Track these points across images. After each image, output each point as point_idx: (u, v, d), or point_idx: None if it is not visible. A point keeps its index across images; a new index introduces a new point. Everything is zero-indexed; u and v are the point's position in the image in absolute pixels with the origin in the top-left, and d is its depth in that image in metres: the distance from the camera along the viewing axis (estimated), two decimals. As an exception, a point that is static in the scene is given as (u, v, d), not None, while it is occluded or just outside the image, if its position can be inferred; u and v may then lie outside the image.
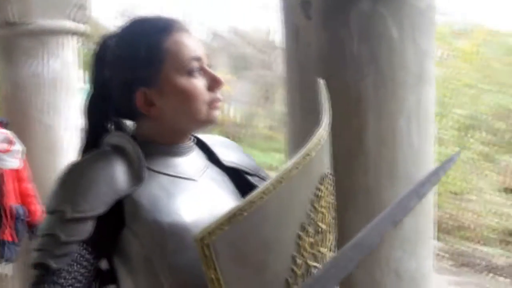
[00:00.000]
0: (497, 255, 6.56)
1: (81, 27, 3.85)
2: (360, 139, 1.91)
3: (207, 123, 1.26)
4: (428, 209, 2.06)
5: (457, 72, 9.98)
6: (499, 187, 8.42)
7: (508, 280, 6.00)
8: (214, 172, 1.35)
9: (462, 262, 6.45)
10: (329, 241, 1.20)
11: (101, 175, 1.16)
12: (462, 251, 6.75)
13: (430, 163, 2.04)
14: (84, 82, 4.28)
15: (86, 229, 1.14)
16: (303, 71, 2.00)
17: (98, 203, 1.14)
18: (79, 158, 1.25)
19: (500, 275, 6.10)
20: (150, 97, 1.22)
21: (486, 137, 9.21)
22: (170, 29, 1.23)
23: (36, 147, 3.86)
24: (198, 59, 1.24)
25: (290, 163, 1.05)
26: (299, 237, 1.09)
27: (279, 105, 16.54)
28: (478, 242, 7.09)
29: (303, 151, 1.09)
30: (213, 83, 1.25)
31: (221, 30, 17.26)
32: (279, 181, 1.02)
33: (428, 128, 2.01)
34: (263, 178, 1.43)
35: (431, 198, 2.08)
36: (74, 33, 3.81)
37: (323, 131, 1.15)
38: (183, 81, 1.21)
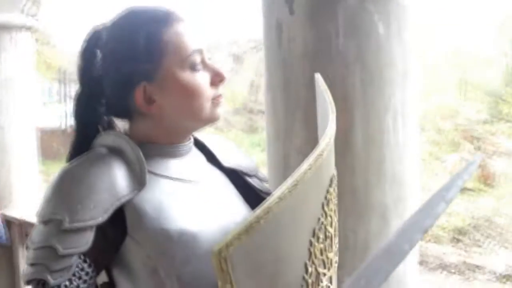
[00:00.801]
0: (449, 253, 6.67)
1: (35, 22, 3.66)
2: (347, 137, 1.86)
3: (210, 121, 1.17)
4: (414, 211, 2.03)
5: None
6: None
7: (460, 277, 6.10)
8: (215, 173, 1.26)
9: (415, 260, 6.52)
10: (335, 246, 1.14)
11: (100, 179, 1.05)
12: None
13: (416, 161, 2.01)
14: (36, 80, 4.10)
15: (86, 240, 1.03)
16: (286, 67, 1.93)
17: (99, 211, 1.03)
18: (73, 162, 1.12)
19: (453, 272, 6.20)
20: (150, 93, 1.12)
21: (433, 137, 9.40)
22: (169, 20, 1.13)
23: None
24: (200, 51, 1.14)
25: (304, 164, 0.97)
26: (311, 243, 1.02)
27: (224, 104, 16.51)
28: (430, 240, 7.20)
29: (316, 151, 1.01)
30: (216, 78, 1.16)
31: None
32: (295, 184, 0.94)
33: (413, 125, 1.98)
34: (261, 179, 1.35)
35: (417, 199, 2.05)
36: (28, 28, 3.61)
37: (332, 129, 1.08)
38: (185, 76, 1.12)
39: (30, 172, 4.19)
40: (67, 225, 1.01)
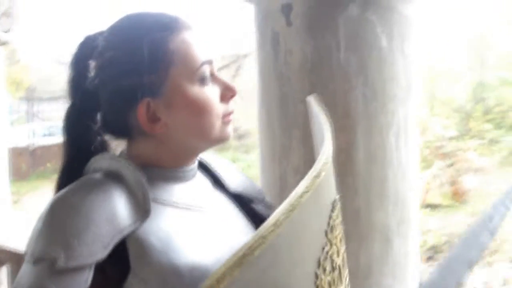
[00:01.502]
0: (426, 272, 6.61)
1: (7, 36, 3.48)
2: (348, 156, 1.76)
3: (220, 141, 1.03)
4: (416, 231, 1.94)
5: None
6: (421, 203, 8.59)
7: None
8: (221, 199, 1.13)
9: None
10: (344, 278, 1.02)
11: (98, 209, 0.90)
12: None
13: (416, 180, 1.92)
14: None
15: (84, 280, 0.88)
16: (283, 81, 1.83)
17: (98, 246, 0.88)
18: (65, 189, 0.96)
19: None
20: (154, 110, 0.98)
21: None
22: (176, 27, 0.99)
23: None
24: (210, 63, 1.02)
25: (300, 187, 0.85)
26: (316, 275, 0.89)
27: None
28: (407, 258, 7.12)
29: (312, 172, 0.89)
30: (227, 93, 1.02)
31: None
32: (290, 209, 0.82)
33: (414, 143, 1.89)
34: (268, 206, 1.23)
35: (418, 219, 1.96)
36: (2, 43, 3.42)
37: (328, 148, 0.96)
38: (195, 90, 0.98)
39: (0, 194, 4.00)
40: (62, 264, 0.86)
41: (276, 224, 0.78)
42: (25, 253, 0.92)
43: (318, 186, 0.89)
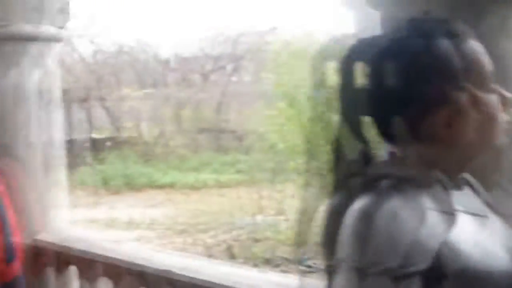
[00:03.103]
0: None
1: (63, 33, 3.49)
2: None
3: (494, 148, 1.06)
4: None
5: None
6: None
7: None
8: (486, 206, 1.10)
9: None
10: None
11: (418, 218, 0.93)
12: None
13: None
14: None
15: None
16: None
17: (424, 254, 0.90)
18: (371, 198, 0.97)
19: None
20: (449, 116, 1.00)
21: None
22: (464, 32, 1.04)
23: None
24: (493, 71, 1.04)
25: None
26: None
27: (190, 123, 15.28)
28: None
29: None
30: (504, 101, 1.04)
31: (127, 45, 15.92)
32: None
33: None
34: None
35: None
36: (56, 39, 3.43)
37: None
38: (487, 98, 1.01)
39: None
40: (404, 271, 0.89)
41: None
42: (344, 261, 0.94)
43: None
